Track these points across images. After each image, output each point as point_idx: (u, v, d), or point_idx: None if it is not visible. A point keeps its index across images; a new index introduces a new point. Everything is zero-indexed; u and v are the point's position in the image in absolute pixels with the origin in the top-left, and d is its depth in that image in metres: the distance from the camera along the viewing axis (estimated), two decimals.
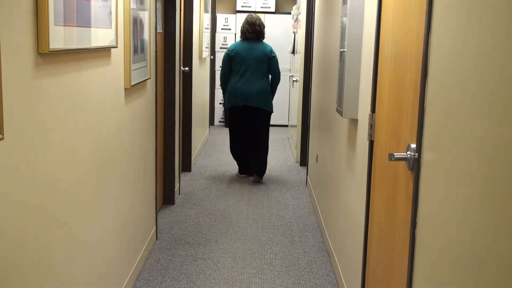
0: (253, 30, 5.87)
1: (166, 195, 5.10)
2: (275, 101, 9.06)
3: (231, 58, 5.86)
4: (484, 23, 1.38)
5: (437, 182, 1.69)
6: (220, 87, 8.99)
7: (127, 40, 3.04)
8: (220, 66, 6.02)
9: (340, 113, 3.21)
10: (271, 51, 5.87)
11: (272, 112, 5.95)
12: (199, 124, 7.22)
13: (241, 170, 6.22)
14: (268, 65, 5.84)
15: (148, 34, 3.59)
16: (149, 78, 3.68)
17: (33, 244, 1.88)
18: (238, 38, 9.13)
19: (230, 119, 6.01)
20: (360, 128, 2.99)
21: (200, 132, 7.32)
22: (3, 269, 1.66)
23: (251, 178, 6.13)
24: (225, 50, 9.41)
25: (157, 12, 4.09)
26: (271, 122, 8.64)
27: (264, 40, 6.05)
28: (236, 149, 6.09)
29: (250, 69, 5.78)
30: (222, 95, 9.56)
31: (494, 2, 1.33)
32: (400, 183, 2.14)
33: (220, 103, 9.73)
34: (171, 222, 4.64)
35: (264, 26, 5.98)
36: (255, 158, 5.99)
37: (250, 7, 9.61)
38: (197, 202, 5.24)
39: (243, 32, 5.91)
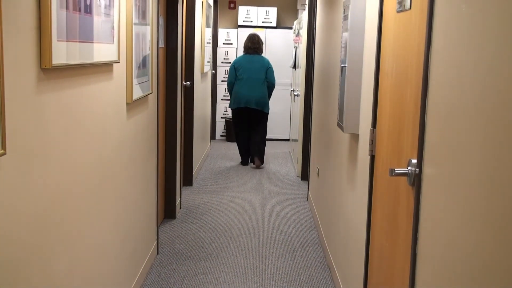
0: (253, 47, 7.30)
1: (167, 209, 5.09)
2: (276, 115, 9.42)
3: (236, 68, 7.26)
4: (485, 39, 1.39)
5: (438, 197, 1.69)
6: (221, 100, 9.63)
7: (129, 55, 3.06)
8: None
9: (341, 128, 3.21)
10: (268, 63, 7.32)
11: (268, 113, 7.37)
12: (201, 138, 7.23)
13: (243, 161, 7.53)
14: (265, 74, 7.23)
15: (150, 49, 3.61)
16: (151, 92, 3.69)
17: (34, 257, 1.88)
18: (239, 53, 9.33)
19: (235, 117, 7.41)
20: (361, 143, 3.00)
21: (201, 146, 7.33)
22: (3, 282, 1.66)
23: (252, 165, 7.50)
24: (227, 64, 9.58)
25: (159, 27, 4.12)
26: (272, 136, 9.55)
27: (266, 55, 7.49)
28: (240, 141, 7.41)
29: (251, 78, 7.18)
30: (224, 109, 9.70)
31: (494, 17, 1.34)
32: (401, 198, 2.14)
33: (221, 117, 9.75)
34: (172, 237, 4.63)
35: (262, 43, 7.44)
36: (256, 147, 7.36)
37: (251, 22, 9.66)
38: (198, 216, 5.24)
39: (246, 48, 7.34)
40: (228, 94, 9.72)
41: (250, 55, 7.26)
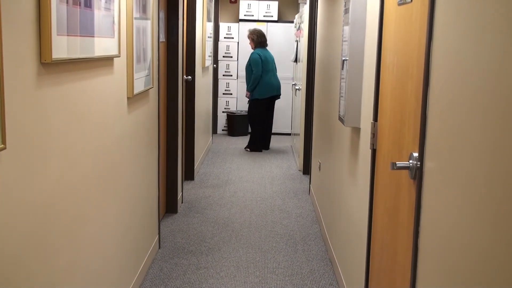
0: (266, 40, 8.10)
1: (168, 203, 5.10)
2: (278, 109, 9.46)
3: (263, 61, 7.90)
4: (486, 31, 1.39)
5: (439, 191, 1.69)
6: (223, 95, 9.67)
7: (130, 49, 3.05)
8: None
9: (343, 121, 3.21)
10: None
11: None
12: (202, 133, 7.23)
13: (263, 147, 8.17)
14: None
15: (150, 43, 3.60)
16: (152, 87, 3.69)
17: (35, 251, 1.88)
18: (241, 47, 9.34)
19: (259, 107, 7.94)
20: (362, 136, 2.99)
21: (203, 141, 7.33)
22: (5, 277, 1.67)
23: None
24: (228, 58, 9.57)
25: (159, 21, 4.11)
26: (274, 130, 9.53)
27: (267, 48, 8.16)
28: (261, 129, 7.99)
29: (273, 68, 8.07)
30: (226, 103, 9.67)
31: (495, 11, 1.33)
32: (403, 192, 2.14)
33: (223, 112, 9.74)
34: (174, 231, 4.64)
35: None
36: (269, 133, 8.22)
37: (252, 15, 9.63)
38: (200, 210, 5.24)
39: (262, 42, 8.01)
40: (229, 89, 9.71)
41: (265, 48, 8.03)
